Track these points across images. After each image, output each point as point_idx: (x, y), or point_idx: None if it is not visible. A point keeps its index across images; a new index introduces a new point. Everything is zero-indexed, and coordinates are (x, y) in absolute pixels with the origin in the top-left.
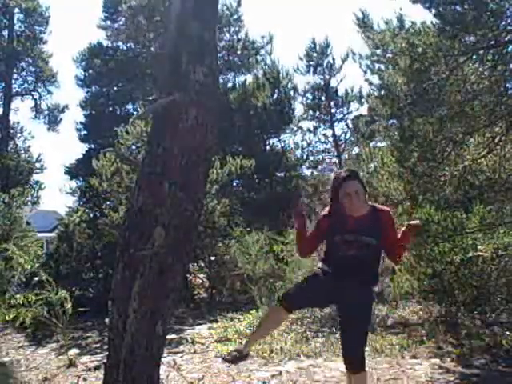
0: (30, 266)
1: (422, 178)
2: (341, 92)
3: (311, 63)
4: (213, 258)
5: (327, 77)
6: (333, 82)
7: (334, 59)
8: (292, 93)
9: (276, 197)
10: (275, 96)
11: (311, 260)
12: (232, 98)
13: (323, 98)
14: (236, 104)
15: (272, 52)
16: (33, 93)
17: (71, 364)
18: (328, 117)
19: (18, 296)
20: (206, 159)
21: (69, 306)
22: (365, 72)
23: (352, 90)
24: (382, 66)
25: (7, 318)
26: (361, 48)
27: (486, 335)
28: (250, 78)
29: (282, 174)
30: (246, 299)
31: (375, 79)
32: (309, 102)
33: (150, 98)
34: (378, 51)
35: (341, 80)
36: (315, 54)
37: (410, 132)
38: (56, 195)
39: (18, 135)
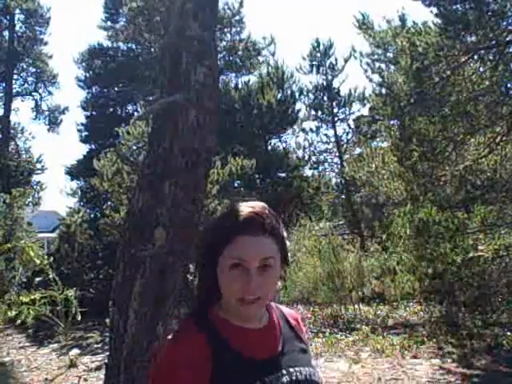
0: (39, 261)
1: (423, 178)
2: (343, 92)
3: (314, 63)
4: None
5: (329, 77)
6: (335, 83)
7: (336, 60)
8: (296, 93)
9: (277, 197)
10: (279, 96)
11: (313, 260)
12: (234, 97)
13: (325, 98)
14: (238, 104)
15: (275, 52)
16: (33, 93)
17: (72, 364)
18: (330, 117)
19: (21, 295)
20: (207, 159)
21: (74, 305)
22: (365, 71)
23: (355, 91)
24: (383, 65)
25: (9, 314)
26: (362, 46)
27: (487, 335)
28: (253, 79)
29: (283, 175)
30: None
31: (376, 77)
32: (311, 101)
33: (151, 99)
34: (379, 50)
35: (343, 80)
36: (318, 54)
37: (411, 131)
38: (57, 196)
39: (19, 136)
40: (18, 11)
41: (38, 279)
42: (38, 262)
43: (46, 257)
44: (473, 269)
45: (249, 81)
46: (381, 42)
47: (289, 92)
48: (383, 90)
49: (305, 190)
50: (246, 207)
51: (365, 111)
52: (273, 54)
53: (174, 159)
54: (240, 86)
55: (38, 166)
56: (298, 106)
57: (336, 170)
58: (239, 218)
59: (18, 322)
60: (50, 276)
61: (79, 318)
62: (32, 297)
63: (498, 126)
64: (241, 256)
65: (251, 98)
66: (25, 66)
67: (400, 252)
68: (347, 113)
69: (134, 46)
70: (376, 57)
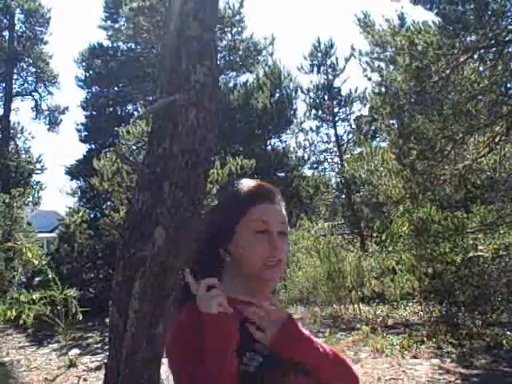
0: (37, 262)
1: (422, 176)
2: (344, 92)
3: (315, 63)
4: None
5: (330, 77)
6: (336, 82)
7: (337, 59)
8: (294, 93)
9: None
10: (276, 96)
11: (312, 260)
12: (233, 97)
13: (326, 98)
14: (237, 104)
15: (274, 53)
16: (33, 93)
17: (72, 364)
18: (331, 116)
19: (21, 294)
20: (206, 159)
21: (74, 305)
22: (364, 69)
23: (355, 90)
24: (382, 64)
25: (9, 314)
26: (362, 45)
27: (487, 335)
28: (251, 78)
29: (282, 174)
30: None
31: (375, 76)
32: (311, 101)
33: (151, 99)
34: (378, 49)
35: (344, 80)
36: (319, 54)
37: (410, 129)
38: (56, 195)
39: (19, 135)
40: (18, 11)
41: (37, 279)
42: (36, 262)
43: (43, 257)
44: (472, 268)
45: (247, 81)
46: (380, 41)
47: (287, 91)
48: (382, 89)
49: (304, 189)
50: (257, 181)
51: (365, 111)
52: (271, 54)
53: (173, 159)
54: (239, 85)
55: (38, 165)
56: (297, 105)
57: (336, 170)
58: (256, 189)
59: (20, 322)
60: (50, 276)
61: (80, 317)
62: (32, 297)
63: (498, 125)
64: (266, 219)
65: (250, 98)
66: (25, 66)
67: (400, 251)
68: (348, 112)
69: (134, 46)
70: (375, 55)
